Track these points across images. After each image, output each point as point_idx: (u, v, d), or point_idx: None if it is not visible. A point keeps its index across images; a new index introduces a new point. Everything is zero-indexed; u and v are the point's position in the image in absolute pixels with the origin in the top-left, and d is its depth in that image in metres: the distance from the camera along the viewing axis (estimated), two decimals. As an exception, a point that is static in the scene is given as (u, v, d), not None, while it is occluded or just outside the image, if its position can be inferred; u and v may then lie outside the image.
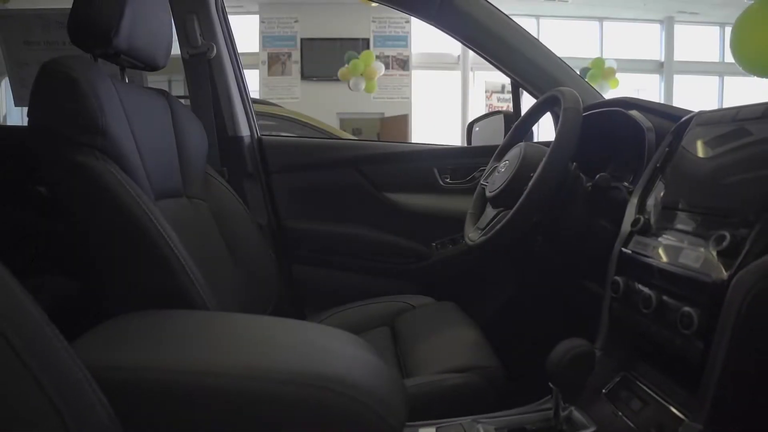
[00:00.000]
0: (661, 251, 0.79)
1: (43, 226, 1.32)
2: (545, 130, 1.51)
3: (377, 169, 1.62)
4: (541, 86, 1.44)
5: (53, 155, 0.81)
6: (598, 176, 1.03)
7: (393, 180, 1.62)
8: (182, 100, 1.27)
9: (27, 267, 0.74)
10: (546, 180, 0.97)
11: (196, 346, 0.62)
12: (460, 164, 1.61)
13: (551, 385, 0.82)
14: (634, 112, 1.08)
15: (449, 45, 8.73)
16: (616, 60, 8.13)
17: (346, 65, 7.61)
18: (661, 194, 0.88)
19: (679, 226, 0.80)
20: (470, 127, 1.81)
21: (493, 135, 1.62)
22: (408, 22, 9.06)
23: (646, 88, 10.19)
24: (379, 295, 1.43)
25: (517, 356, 1.09)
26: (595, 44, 9.94)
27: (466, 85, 9.29)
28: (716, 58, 10.02)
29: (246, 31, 8.49)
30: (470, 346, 1.09)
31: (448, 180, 1.61)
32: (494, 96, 9.23)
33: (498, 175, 1.14)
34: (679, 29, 10.04)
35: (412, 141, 8.59)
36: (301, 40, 9.12)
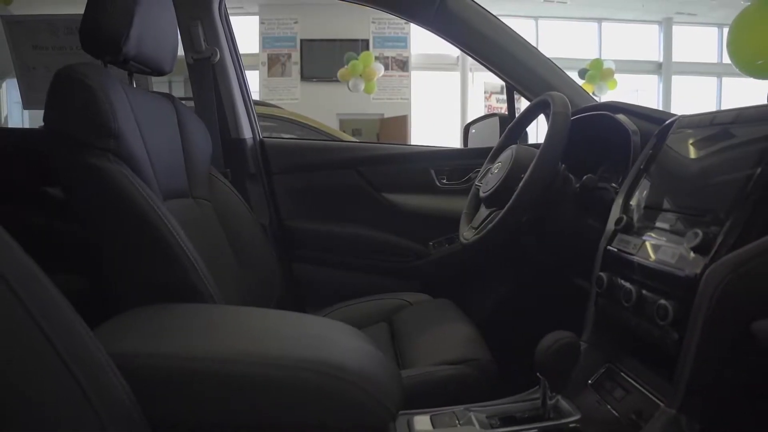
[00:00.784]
0: (641, 248, 0.84)
1: (50, 225, 1.36)
2: (544, 131, 1.55)
3: (376, 170, 1.66)
4: (535, 89, 1.48)
5: (68, 157, 0.85)
6: (585, 177, 1.08)
7: (391, 181, 1.66)
8: (184, 102, 1.32)
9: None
10: (535, 181, 1.01)
11: (207, 335, 0.66)
12: (457, 165, 1.65)
13: (539, 375, 0.86)
14: (620, 116, 1.13)
15: (448, 46, 8.68)
16: (615, 61, 8.17)
17: (346, 66, 7.65)
18: (644, 194, 0.93)
19: (659, 225, 0.84)
20: (467, 129, 1.85)
21: (489, 136, 1.66)
22: (407, 23, 9.10)
23: (644, 89, 10.24)
24: (378, 293, 1.46)
25: (508, 350, 1.14)
26: (594, 45, 9.97)
27: (465, 85, 9.33)
28: (714, 59, 10.05)
29: (246, 32, 8.52)
30: (464, 340, 1.13)
31: (444, 181, 1.65)
32: (493, 97, 9.26)
33: (491, 177, 1.19)
34: (677, 30, 10.06)
35: (412, 141, 8.64)
36: (301, 41, 9.15)
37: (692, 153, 0.89)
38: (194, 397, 0.58)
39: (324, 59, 8.92)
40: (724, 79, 10.04)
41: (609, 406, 0.85)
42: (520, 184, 1.03)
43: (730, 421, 0.69)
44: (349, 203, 1.66)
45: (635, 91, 10.07)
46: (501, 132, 1.54)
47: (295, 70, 9.21)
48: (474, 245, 1.15)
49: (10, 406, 0.41)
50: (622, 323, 0.86)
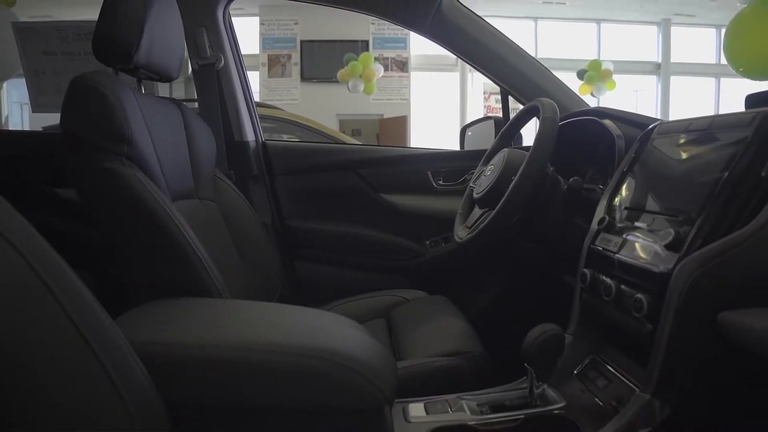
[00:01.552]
0: (622, 246, 0.90)
1: (59, 225, 1.40)
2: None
3: (375, 171, 1.71)
4: (528, 94, 1.54)
5: (84, 161, 0.90)
6: (571, 179, 1.14)
7: (389, 182, 1.71)
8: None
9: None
10: (525, 183, 1.07)
11: (217, 325, 0.72)
12: (453, 167, 1.70)
13: (526, 366, 0.92)
14: (606, 121, 1.18)
15: (448, 47, 8.79)
16: (614, 62, 8.20)
17: (345, 67, 7.67)
18: (626, 196, 0.99)
19: (638, 224, 0.90)
20: (463, 132, 1.90)
21: (485, 139, 1.71)
22: (407, 24, 9.12)
23: (644, 89, 10.29)
24: (376, 290, 1.51)
25: (500, 343, 1.19)
26: (593, 46, 10.02)
27: (464, 86, 9.38)
28: (713, 60, 10.10)
29: (246, 33, 8.56)
30: (457, 334, 1.19)
31: (441, 182, 1.70)
32: (492, 97, 9.31)
33: (484, 178, 1.24)
34: (675, 31, 10.10)
35: (411, 142, 8.68)
36: (301, 42, 9.20)
37: (669, 157, 0.94)
38: (206, 381, 0.63)
39: (324, 60, 8.97)
40: (723, 80, 10.09)
41: (592, 394, 0.91)
42: (510, 186, 1.08)
43: (699, 403, 0.74)
44: (349, 203, 1.71)
45: (635, 91, 10.12)
46: (496, 134, 1.60)
47: (295, 70, 9.25)
48: (467, 244, 1.20)
49: (45, 385, 0.46)
50: (604, 316, 0.92)
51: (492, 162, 1.26)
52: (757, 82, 3.83)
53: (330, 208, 1.73)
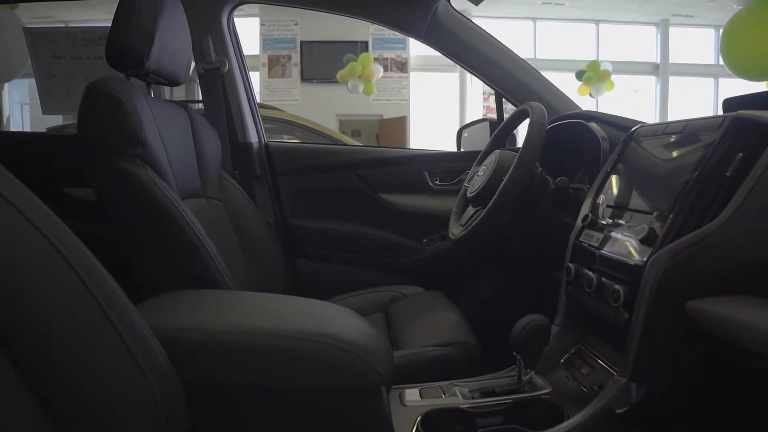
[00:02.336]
0: (602, 241, 0.96)
1: (69, 225, 1.46)
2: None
3: (374, 172, 1.77)
4: (520, 96, 1.60)
5: (100, 163, 0.96)
6: (558, 179, 1.20)
7: (388, 182, 1.77)
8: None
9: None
10: (514, 182, 1.13)
11: (229, 313, 0.78)
12: (449, 168, 1.76)
13: (515, 354, 0.98)
14: (592, 124, 1.25)
15: (447, 48, 8.82)
16: (612, 62, 8.23)
17: (345, 67, 7.70)
18: (609, 194, 1.05)
19: (618, 221, 0.97)
20: (459, 133, 1.96)
21: (480, 140, 1.77)
22: (406, 25, 9.16)
23: (643, 90, 10.33)
24: (375, 286, 1.58)
25: (493, 335, 1.25)
26: (592, 47, 10.04)
27: (463, 87, 9.41)
28: (711, 61, 10.14)
29: (247, 34, 8.61)
30: (452, 326, 1.25)
31: (437, 182, 1.75)
32: (491, 98, 9.29)
33: (477, 178, 1.31)
34: (674, 32, 10.14)
35: (411, 142, 8.72)
36: (301, 42, 9.22)
37: (648, 158, 1.01)
38: (218, 363, 0.69)
39: (324, 61, 9.00)
40: (721, 81, 10.12)
41: (577, 381, 0.98)
42: (501, 185, 1.14)
43: (671, 384, 0.81)
44: (349, 203, 1.77)
45: (634, 92, 10.17)
46: (491, 135, 1.66)
47: (295, 71, 9.28)
48: (461, 241, 1.26)
49: (79, 368, 0.52)
50: (587, 307, 0.99)
51: (485, 163, 1.32)
52: (757, 83, 3.88)
53: (330, 207, 1.78)
